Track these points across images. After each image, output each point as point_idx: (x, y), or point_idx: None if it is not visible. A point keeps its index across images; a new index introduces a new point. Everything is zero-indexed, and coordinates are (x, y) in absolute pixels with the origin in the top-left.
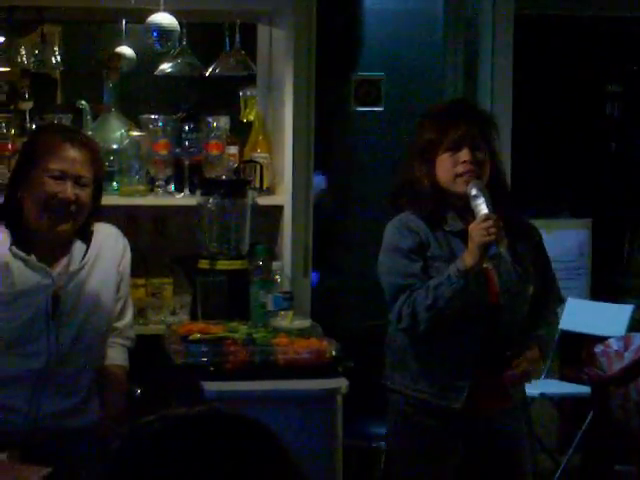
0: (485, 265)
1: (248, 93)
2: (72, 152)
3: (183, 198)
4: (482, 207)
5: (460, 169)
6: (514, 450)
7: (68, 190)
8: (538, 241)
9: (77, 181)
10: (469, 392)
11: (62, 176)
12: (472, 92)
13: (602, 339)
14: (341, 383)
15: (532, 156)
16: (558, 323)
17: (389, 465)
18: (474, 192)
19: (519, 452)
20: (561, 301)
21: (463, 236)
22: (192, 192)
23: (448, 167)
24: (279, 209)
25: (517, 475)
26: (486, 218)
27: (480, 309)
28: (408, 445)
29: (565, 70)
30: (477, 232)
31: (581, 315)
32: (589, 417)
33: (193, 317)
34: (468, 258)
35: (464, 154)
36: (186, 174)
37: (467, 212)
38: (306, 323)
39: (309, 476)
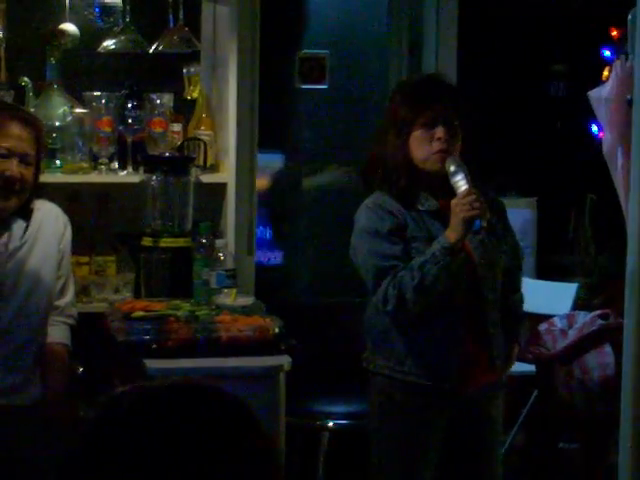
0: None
1: (192, 70)
2: (18, 130)
3: (126, 175)
4: (462, 182)
5: (435, 146)
6: (491, 435)
7: (14, 168)
8: (503, 212)
9: (22, 159)
10: (457, 371)
11: (8, 154)
12: (416, 70)
13: (547, 318)
14: (284, 361)
15: (477, 135)
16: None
17: (373, 447)
18: (453, 168)
19: (495, 437)
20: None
21: (438, 215)
22: (135, 169)
23: (422, 144)
24: (223, 187)
25: (490, 459)
26: (469, 193)
27: (462, 284)
28: (394, 426)
29: (510, 49)
30: (461, 207)
31: (526, 294)
32: (533, 395)
33: (137, 295)
34: (452, 234)
35: (439, 131)
36: (129, 151)
37: (440, 191)
38: (249, 300)
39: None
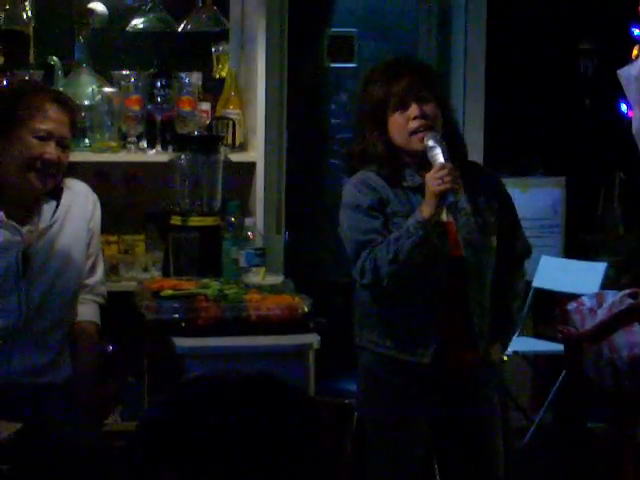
0: (445, 218)
1: (220, 49)
2: (57, 113)
3: (155, 154)
4: (439, 157)
5: (412, 125)
6: (484, 417)
7: (53, 152)
8: (500, 190)
9: (60, 142)
10: (437, 346)
11: (48, 137)
12: (446, 48)
13: (576, 297)
14: (313, 339)
15: (505, 114)
16: (525, 275)
17: (360, 425)
18: (431, 143)
19: (489, 418)
20: (529, 252)
21: (421, 190)
22: (164, 148)
23: (400, 126)
24: (251, 166)
25: (487, 441)
26: (442, 167)
27: (443, 261)
28: (378, 405)
29: (538, 27)
30: (432, 181)
31: (555, 273)
32: (562, 375)
33: (165, 274)
34: (425, 208)
35: (412, 110)
36: (158, 130)
37: (425, 167)
38: (278, 279)
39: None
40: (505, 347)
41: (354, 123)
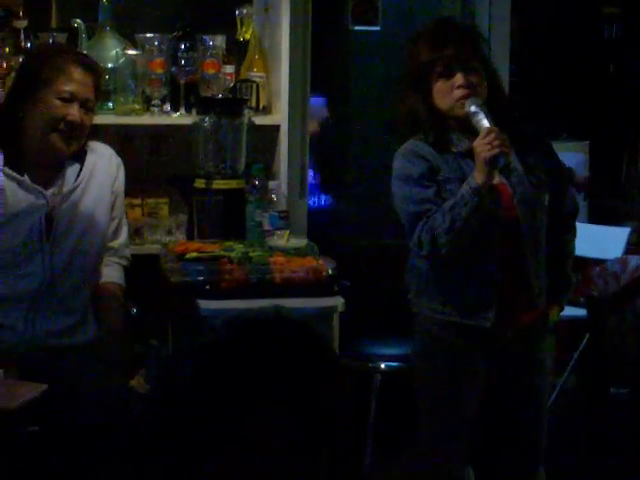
0: (497, 180)
1: (244, 12)
2: (81, 75)
3: (179, 117)
4: (483, 122)
5: (457, 94)
6: (535, 377)
7: (76, 113)
8: (548, 148)
9: (83, 104)
10: (498, 309)
11: (71, 98)
12: (470, 11)
13: (599, 262)
14: (337, 302)
15: (530, 78)
16: (575, 234)
17: (418, 387)
18: (473, 109)
19: (540, 379)
20: (577, 209)
21: (471, 155)
22: (188, 111)
23: (444, 94)
24: (275, 128)
25: (533, 401)
26: (488, 132)
27: (499, 225)
28: (437, 363)
29: None
30: (481, 147)
31: (578, 238)
32: (585, 339)
33: (189, 237)
34: (478, 175)
35: (458, 78)
36: (182, 93)
37: (471, 131)
38: (302, 242)
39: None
40: (562, 308)
41: (396, 86)
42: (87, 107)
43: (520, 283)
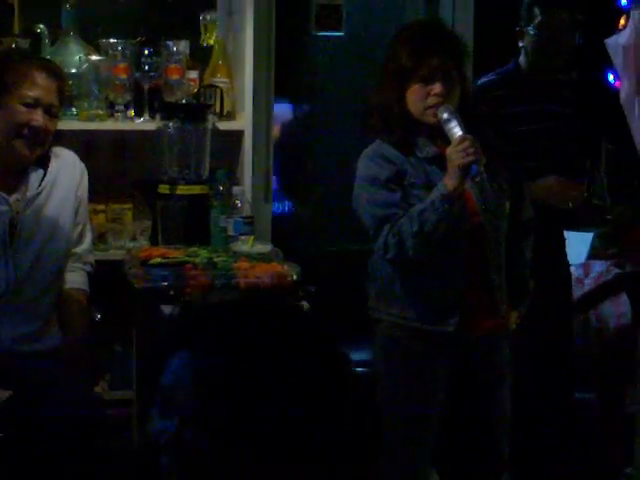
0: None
1: (208, 17)
2: (45, 80)
3: (143, 123)
4: (456, 130)
5: (431, 101)
6: (498, 382)
7: (40, 119)
8: (508, 155)
9: (47, 110)
10: (460, 315)
11: (35, 104)
12: (434, 15)
13: None
14: (302, 307)
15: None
16: (532, 242)
17: (380, 393)
18: (446, 116)
19: (502, 383)
20: (534, 219)
21: (437, 161)
22: (152, 117)
23: (419, 98)
24: (239, 134)
25: (497, 407)
26: (462, 139)
27: (463, 230)
28: (398, 369)
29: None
30: (456, 154)
31: None
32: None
33: (153, 242)
34: (450, 181)
35: (436, 87)
36: (146, 98)
37: (438, 136)
38: (267, 248)
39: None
40: (521, 314)
41: (377, 78)
42: (51, 113)
43: (483, 289)
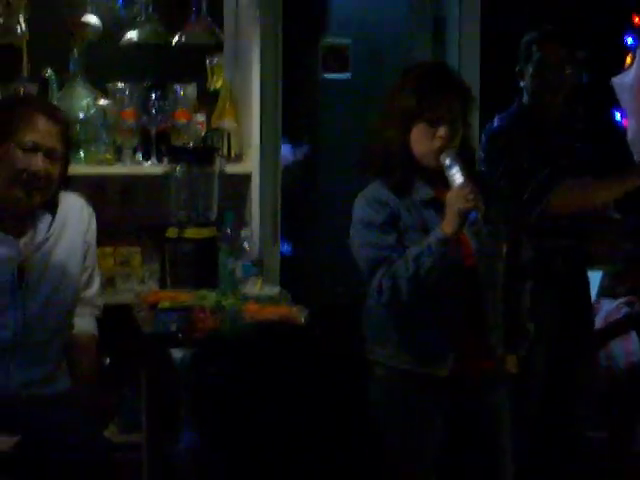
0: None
1: (215, 61)
2: (44, 124)
3: (150, 167)
4: (457, 176)
5: (436, 144)
6: (496, 426)
7: (39, 163)
8: (506, 198)
9: (48, 154)
10: (454, 359)
11: (34, 148)
12: (441, 56)
13: None
14: None
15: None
16: (530, 285)
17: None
18: (448, 161)
19: (500, 428)
20: (533, 261)
21: (433, 205)
22: (159, 161)
23: (424, 139)
24: (247, 177)
25: (497, 453)
26: (464, 186)
27: (458, 273)
28: (392, 416)
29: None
30: (456, 200)
31: None
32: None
33: (162, 286)
34: (447, 226)
35: (442, 130)
36: (153, 142)
37: (435, 180)
38: (275, 290)
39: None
40: (519, 358)
41: (374, 121)
42: (52, 157)
43: (478, 332)
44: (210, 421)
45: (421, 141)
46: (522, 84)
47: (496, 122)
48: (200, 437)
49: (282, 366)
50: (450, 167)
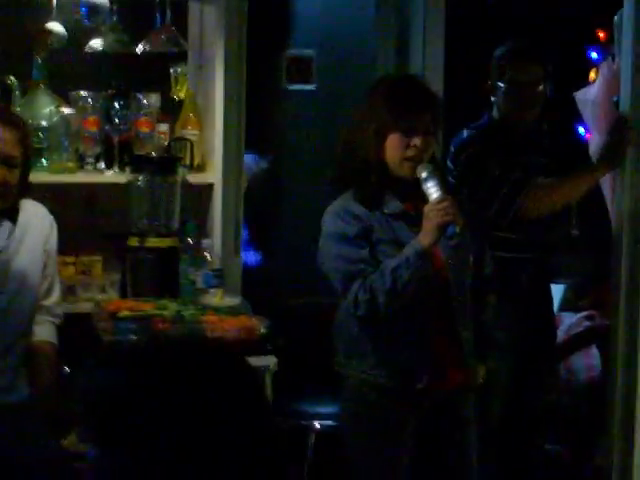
0: None
1: (179, 70)
2: (2, 131)
3: (113, 175)
4: (434, 189)
5: (409, 153)
6: (466, 440)
7: None
8: (470, 210)
9: (6, 162)
10: (430, 372)
11: None
12: (404, 68)
13: None
14: (270, 361)
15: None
16: (493, 297)
17: (348, 448)
18: (425, 174)
19: (469, 442)
20: (494, 273)
21: (403, 218)
22: (122, 170)
23: (397, 149)
24: (209, 187)
25: (466, 469)
26: (443, 199)
27: (430, 286)
28: (365, 424)
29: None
30: (435, 213)
31: None
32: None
33: (123, 295)
34: (424, 238)
35: (416, 140)
36: (116, 151)
37: (404, 193)
38: (236, 301)
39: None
40: (487, 367)
41: (348, 129)
42: (10, 164)
43: (451, 343)
44: (99, 433)
45: (395, 150)
46: (493, 99)
47: (465, 134)
48: (93, 449)
49: (174, 385)
50: (427, 180)
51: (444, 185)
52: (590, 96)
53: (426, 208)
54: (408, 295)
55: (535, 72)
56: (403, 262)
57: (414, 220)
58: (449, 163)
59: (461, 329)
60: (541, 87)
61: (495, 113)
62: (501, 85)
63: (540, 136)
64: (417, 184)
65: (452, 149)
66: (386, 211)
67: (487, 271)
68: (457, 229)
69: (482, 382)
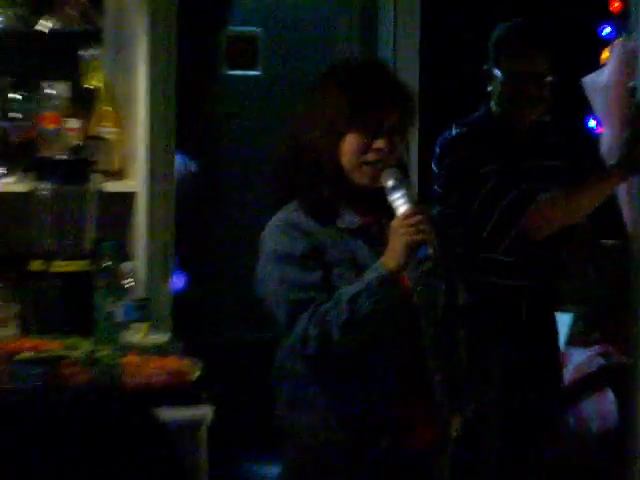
0: None
1: (92, 54)
2: None
3: (11, 183)
4: (403, 200)
5: (370, 157)
6: None
7: None
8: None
9: None
10: (395, 426)
11: None
12: (371, 51)
13: None
14: (205, 412)
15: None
16: (465, 334)
17: None
18: (391, 182)
19: None
20: (470, 306)
21: (361, 234)
22: (23, 176)
23: (355, 152)
24: (131, 197)
25: None
26: (413, 213)
27: (396, 318)
28: None
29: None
30: (405, 229)
31: None
32: None
33: (25, 331)
34: (391, 261)
35: (379, 142)
36: (15, 153)
37: (362, 204)
38: (164, 338)
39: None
40: (464, 419)
41: (295, 125)
42: None
43: (420, 391)
44: None
45: (352, 153)
46: (489, 88)
47: (454, 131)
48: None
49: (61, 448)
50: (394, 189)
51: (414, 196)
52: (601, 81)
53: (393, 223)
54: (369, 330)
55: (540, 62)
56: (363, 289)
57: (375, 238)
58: (434, 167)
59: (433, 372)
60: (547, 79)
61: (493, 107)
62: (498, 74)
63: (543, 132)
64: (380, 194)
65: (437, 150)
66: (341, 226)
67: (460, 301)
68: (430, 250)
69: (455, 435)
